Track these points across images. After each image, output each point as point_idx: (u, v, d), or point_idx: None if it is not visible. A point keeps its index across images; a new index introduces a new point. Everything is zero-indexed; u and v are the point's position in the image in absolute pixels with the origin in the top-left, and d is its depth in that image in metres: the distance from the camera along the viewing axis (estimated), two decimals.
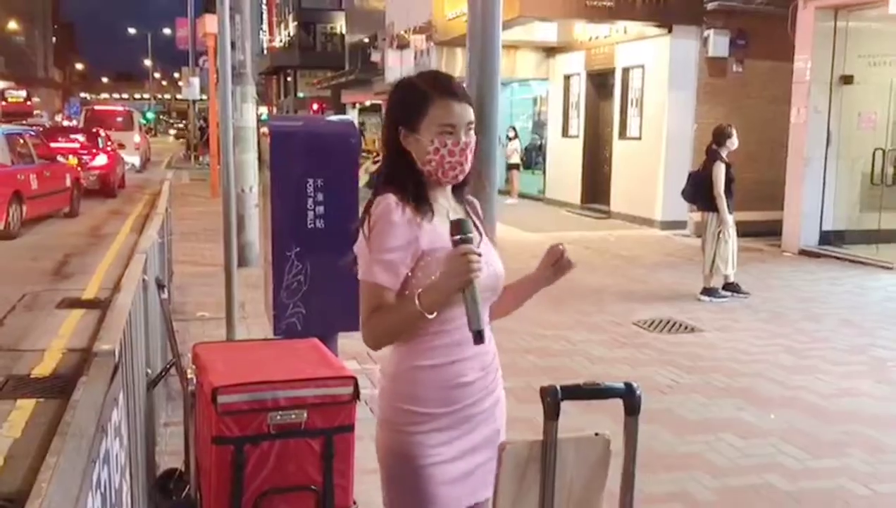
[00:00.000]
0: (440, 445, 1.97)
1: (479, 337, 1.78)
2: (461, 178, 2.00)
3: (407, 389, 1.99)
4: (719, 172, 8.09)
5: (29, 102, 40.22)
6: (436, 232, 1.94)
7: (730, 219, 8.09)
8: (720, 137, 8.29)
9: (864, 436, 4.67)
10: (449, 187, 2.06)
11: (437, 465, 1.96)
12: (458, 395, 1.98)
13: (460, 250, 1.80)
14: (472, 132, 1.98)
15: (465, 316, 1.81)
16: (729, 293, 8.35)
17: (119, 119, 26.79)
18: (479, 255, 1.80)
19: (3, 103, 38.38)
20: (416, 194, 1.97)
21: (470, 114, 1.97)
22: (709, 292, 8.30)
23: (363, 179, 8.87)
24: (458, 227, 1.82)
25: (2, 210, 11.66)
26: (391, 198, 1.95)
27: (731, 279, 8.38)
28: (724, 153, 8.22)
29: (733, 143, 8.29)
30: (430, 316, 1.86)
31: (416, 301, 1.85)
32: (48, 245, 11.63)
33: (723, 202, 8.04)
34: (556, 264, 2.03)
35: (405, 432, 1.98)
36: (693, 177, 8.61)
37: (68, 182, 14.76)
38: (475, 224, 2.08)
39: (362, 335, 1.97)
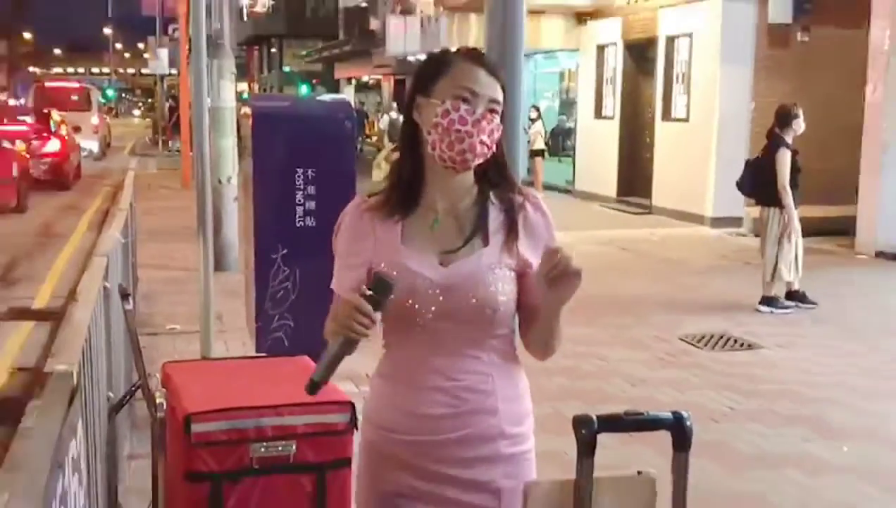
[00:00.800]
0: (408, 480, 2.04)
1: (311, 387, 1.88)
2: (469, 158, 1.96)
3: (377, 400, 2.12)
4: (784, 159, 8.06)
5: None
6: (395, 239, 2.00)
7: (795, 215, 8.07)
8: (784, 118, 8.28)
9: None
10: (467, 181, 2.03)
11: (404, 498, 2.04)
12: (423, 425, 2.02)
13: (355, 301, 1.85)
14: (497, 117, 2.00)
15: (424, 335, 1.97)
16: (793, 303, 8.33)
17: (74, 98, 26.99)
18: (373, 322, 1.85)
19: None
20: (404, 187, 2.04)
21: (496, 91, 2.00)
22: (769, 301, 8.28)
23: (379, 172, 8.50)
24: (375, 280, 1.89)
25: None
26: (357, 200, 2.11)
27: (796, 287, 8.36)
28: (788, 138, 8.20)
29: (799, 125, 8.26)
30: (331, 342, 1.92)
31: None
32: None
33: (788, 196, 8.01)
34: (551, 274, 1.89)
35: (374, 451, 2.10)
36: (751, 165, 8.58)
37: (15, 172, 14.84)
38: (485, 228, 2.04)
39: None
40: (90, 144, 25.16)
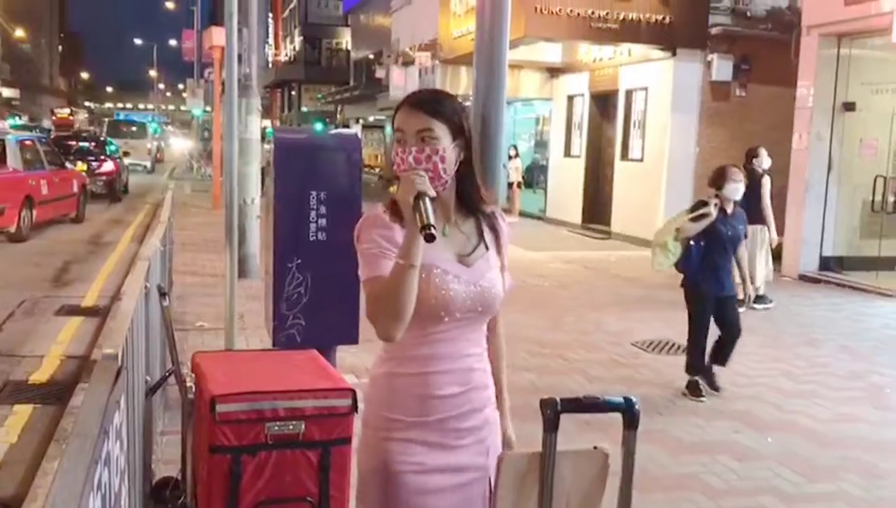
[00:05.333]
0: (416, 455, 1.99)
1: (428, 234, 1.77)
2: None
3: (383, 395, 2.04)
4: (766, 184, 8.75)
5: (71, 117, 51.47)
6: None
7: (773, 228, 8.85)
8: (748, 155, 9.00)
9: (860, 461, 4.67)
10: (451, 202, 2.04)
11: (410, 474, 1.98)
12: (433, 406, 1.99)
13: (407, 174, 1.87)
14: (433, 142, 1.93)
15: (440, 329, 1.88)
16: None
17: (135, 129, 33.35)
18: (422, 176, 1.85)
19: (54, 118, 48.71)
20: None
21: (422, 122, 1.94)
22: (762, 299, 8.79)
23: (666, 258, 6.26)
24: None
25: (13, 214, 11.89)
26: (379, 208, 2.01)
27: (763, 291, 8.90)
28: (759, 169, 8.82)
29: (760, 162, 8.85)
30: (412, 264, 1.84)
31: (397, 260, 1.87)
32: (49, 251, 11.65)
33: (770, 215, 8.73)
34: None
35: (381, 437, 2.02)
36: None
37: (76, 188, 14.98)
38: (482, 237, 2.06)
39: (375, 330, 1.93)
40: (144, 162, 30.42)
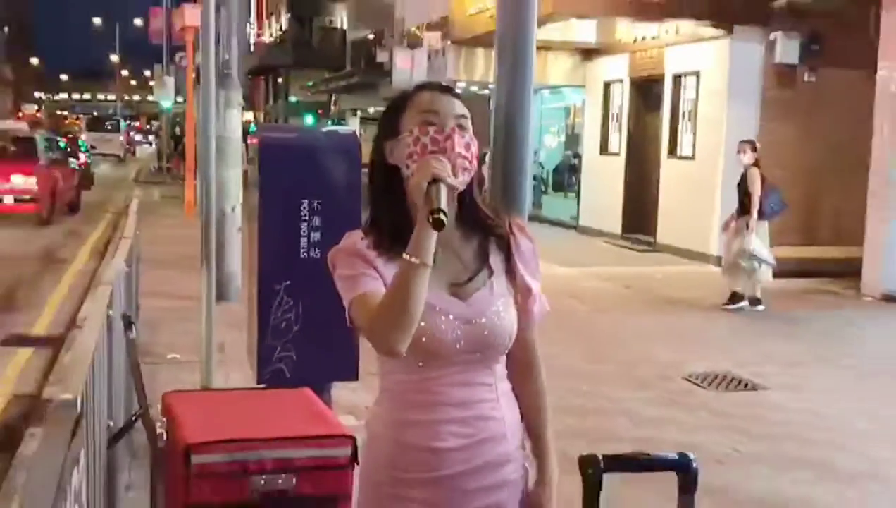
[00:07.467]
0: None
1: (437, 221, 1.79)
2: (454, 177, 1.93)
3: (379, 446, 2.06)
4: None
5: (38, 114, 66.27)
6: None
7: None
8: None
9: None
10: (452, 211, 1.97)
11: None
12: (435, 462, 1.99)
13: (426, 158, 1.92)
14: (469, 131, 1.99)
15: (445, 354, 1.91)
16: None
17: (109, 125, 49.07)
18: (441, 161, 1.89)
19: (20, 115, 59.67)
20: (395, 230, 1.97)
21: (461, 108, 2.01)
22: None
23: None
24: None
25: (45, 202, 17.27)
26: (356, 234, 2.03)
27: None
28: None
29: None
30: (424, 262, 1.83)
31: (405, 256, 1.85)
32: None
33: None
34: None
35: (384, 493, 2.04)
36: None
37: (76, 180, 20.71)
38: (487, 260, 2.05)
39: (376, 345, 1.92)
40: (118, 152, 46.63)
